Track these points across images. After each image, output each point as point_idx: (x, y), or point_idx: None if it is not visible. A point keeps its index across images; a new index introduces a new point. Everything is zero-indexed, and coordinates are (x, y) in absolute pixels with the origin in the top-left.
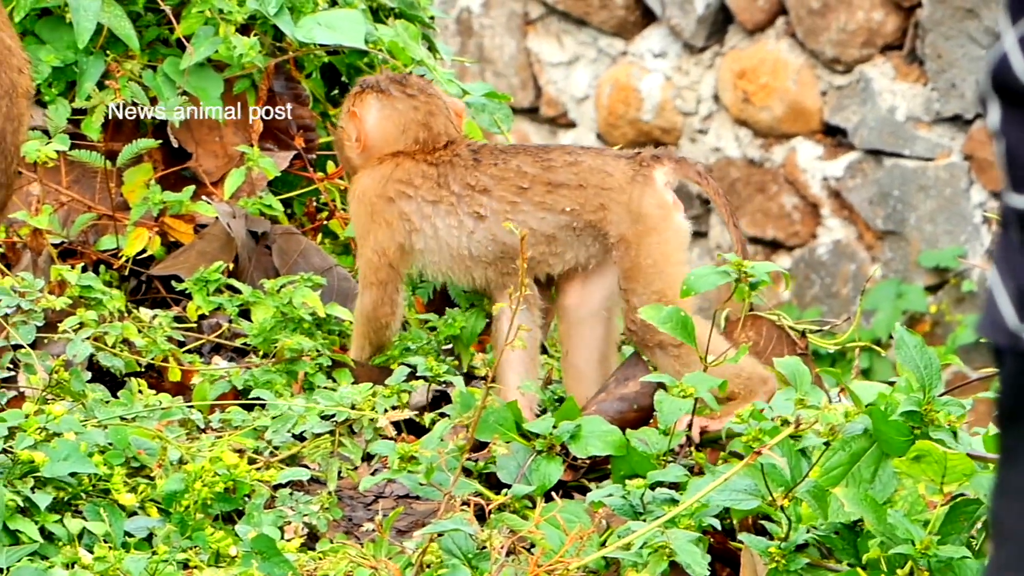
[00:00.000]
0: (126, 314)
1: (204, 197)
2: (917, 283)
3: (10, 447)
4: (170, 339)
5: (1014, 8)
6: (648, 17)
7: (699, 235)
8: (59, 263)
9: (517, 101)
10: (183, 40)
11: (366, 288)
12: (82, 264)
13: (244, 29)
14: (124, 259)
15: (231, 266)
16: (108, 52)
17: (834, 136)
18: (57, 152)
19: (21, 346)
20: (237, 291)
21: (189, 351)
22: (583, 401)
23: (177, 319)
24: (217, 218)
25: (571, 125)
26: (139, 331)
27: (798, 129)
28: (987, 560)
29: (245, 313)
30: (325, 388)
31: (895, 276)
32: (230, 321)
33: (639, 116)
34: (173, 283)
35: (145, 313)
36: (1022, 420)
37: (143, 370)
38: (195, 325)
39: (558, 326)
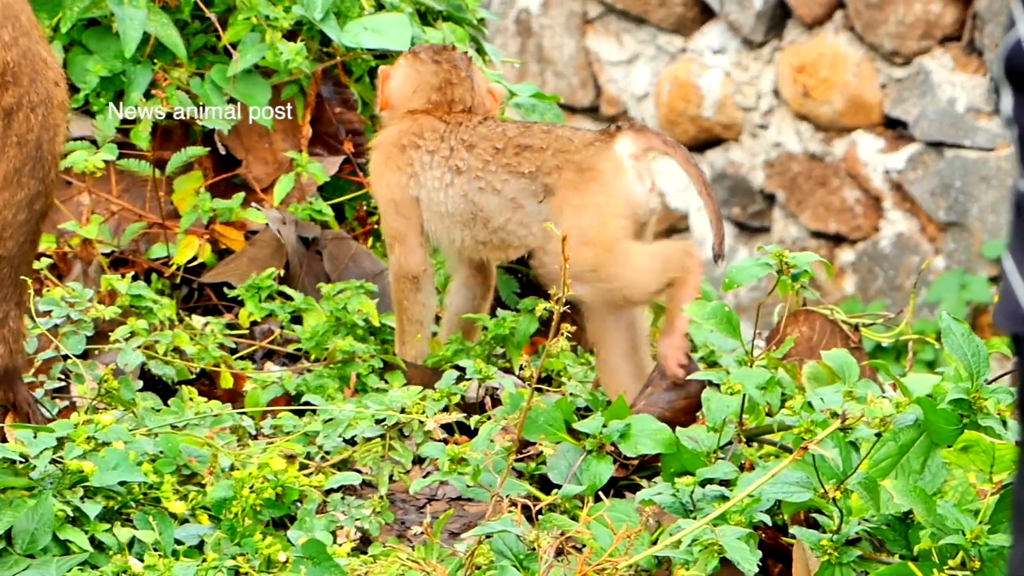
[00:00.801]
0: (177, 322)
1: (254, 204)
2: (980, 274)
3: (59, 457)
4: (222, 346)
5: None
6: (706, 13)
7: (761, 230)
8: (110, 273)
9: (577, 100)
10: (230, 47)
11: (390, 249)
12: (133, 273)
13: (291, 35)
14: (175, 267)
15: (282, 272)
16: (155, 61)
17: (895, 129)
18: (106, 161)
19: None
20: (289, 297)
21: (241, 357)
22: (617, 394)
23: (229, 326)
24: (267, 224)
25: None
26: (191, 338)
27: (858, 122)
28: (1010, 548)
29: (297, 320)
30: (377, 390)
31: (959, 267)
32: (282, 327)
33: (699, 113)
34: (225, 290)
35: (197, 320)
36: None
37: (195, 377)
38: (247, 331)
39: (587, 326)
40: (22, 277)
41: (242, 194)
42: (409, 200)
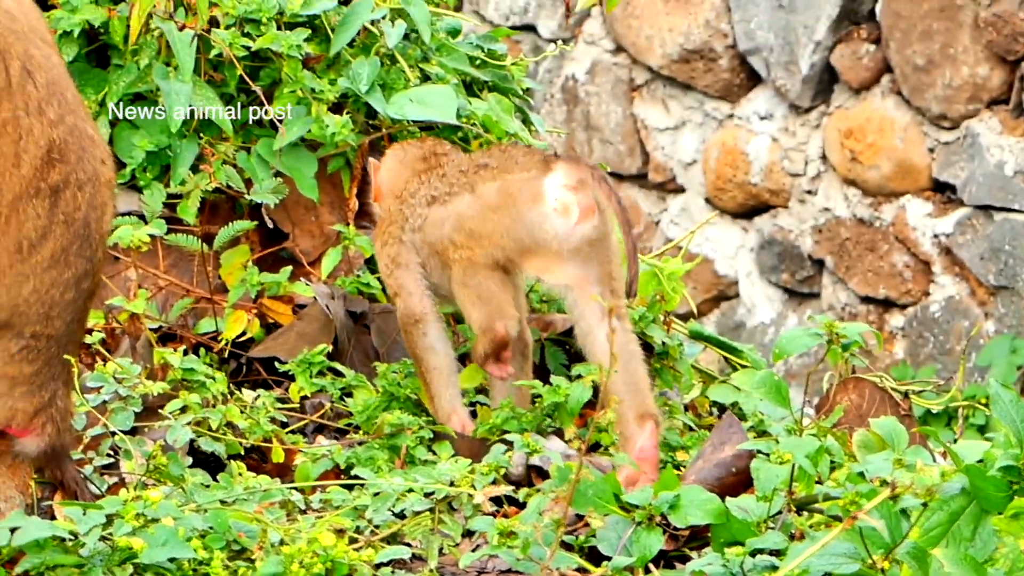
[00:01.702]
0: (229, 396)
1: (302, 278)
2: None
3: (109, 534)
4: (273, 420)
5: None
6: (753, 79)
7: (811, 296)
8: (158, 347)
9: (625, 168)
10: (276, 121)
11: (395, 303)
12: (183, 348)
13: (336, 107)
14: (224, 342)
15: (331, 347)
16: (201, 135)
17: (943, 192)
18: (152, 236)
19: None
20: (338, 372)
21: (292, 431)
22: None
23: (279, 400)
24: (315, 299)
25: (680, 190)
26: (241, 412)
27: (907, 187)
28: None
29: (347, 395)
30: (426, 462)
31: (1009, 331)
32: (332, 402)
33: (747, 179)
34: (276, 364)
35: (248, 395)
36: None
37: (245, 453)
38: (298, 406)
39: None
40: (68, 356)
41: (290, 268)
42: (402, 247)
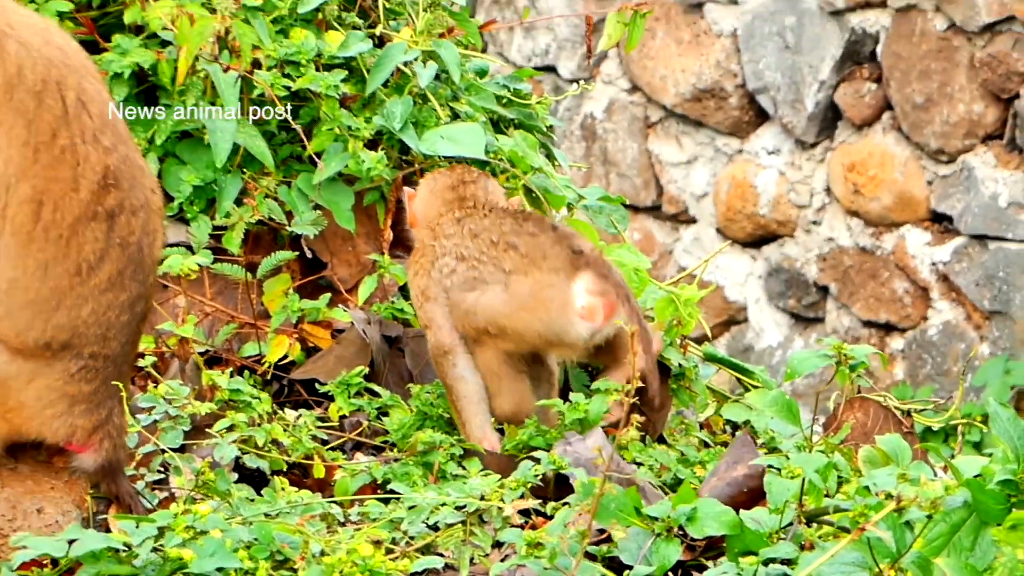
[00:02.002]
0: (273, 415)
1: (340, 304)
2: None
3: (160, 545)
4: (314, 438)
5: None
6: (761, 116)
7: (816, 321)
8: (206, 370)
9: (640, 200)
10: (315, 156)
11: (423, 328)
12: (229, 370)
13: (372, 144)
14: (267, 365)
15: (367, 369)
16: (245, 170)
17: (940, 223)
18: (200, 265)
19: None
20: (375, 393)
21: (332, 448)
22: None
23: (319, 419)
24: (352, 324)
25: (692, 221)
26: (284, 430)
27: (906, 217)
28: None
29: (383, 414)
30: (456, 477)
31: (1003, 353)
32: (369, 420)
33: (756, 210)
34: (317, 386)
35: (290, 414)
36: None
37: (287, 469)
38: (337, 424)
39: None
40: (123, 377)
41: (328, 295)
42: (431, 282)
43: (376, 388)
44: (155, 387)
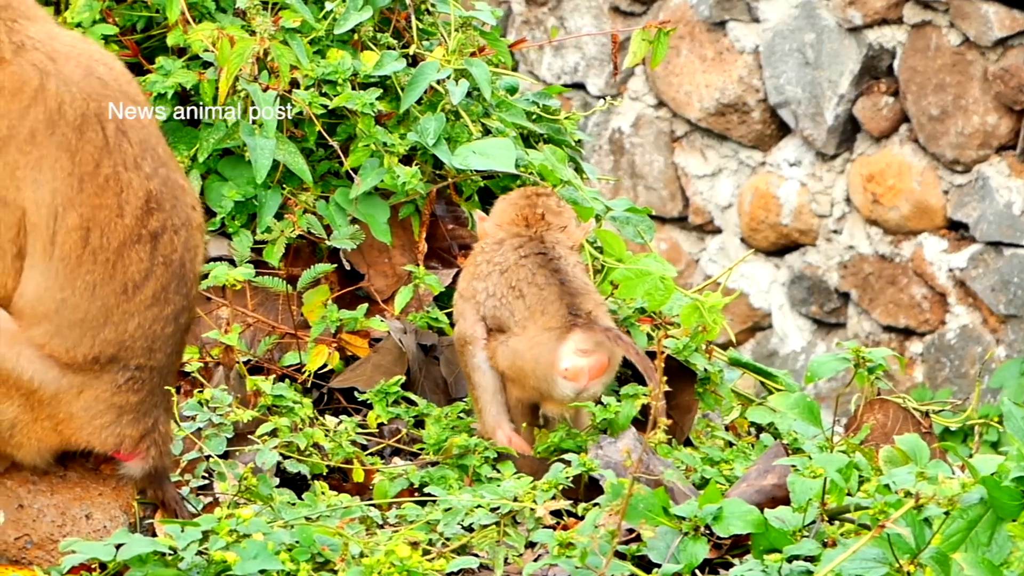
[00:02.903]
0: (314, 421)
1: (377, 314)
2: None
3: (205, 549)
4: (353, 443)
5: None
6: (783, 130)
7: (837, 326)
8: (249, 377)
9: (667, 211)
10: (351, 172)
11: (455, 324)
12: (272, 378)
13: (407, 159)
14: (307, 373)
15: (404, 378)
16: (284, 186)
17: (957, 231)
18: (242, 278)
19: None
20: (412, 402)
21: (371, 454)
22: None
23: (359, 426)
24: (389, 333)
25: (717, 231)
26: (325, 435)
27: (924, 226)
28: None
29: (419, 423)
30: (490, 479)
31: (1018, 356)
32: (407, 428)
33: (778, 220)
34: (356, 394)
35: (330, 421)
36: None
37: (327, 473)
38: (376, 431)
39: None
40: (168, 386)
41: (365, 305)
42: (471, 290)
43: (413, 397)
44: (201, 392)
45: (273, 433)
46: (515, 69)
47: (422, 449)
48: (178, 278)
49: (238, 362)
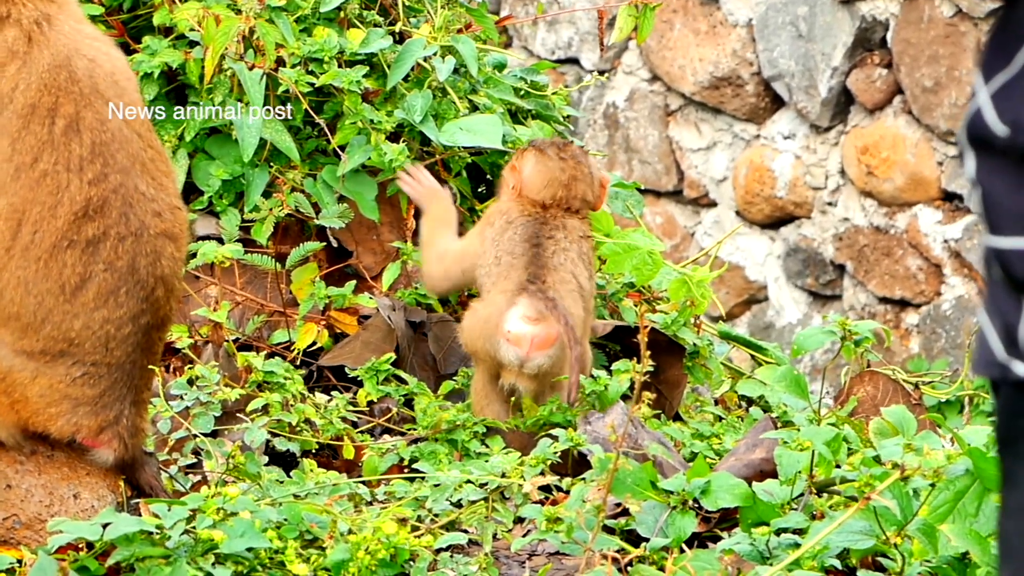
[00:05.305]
0: (305, 397)
1: (365, 291)
2: None
3: (192, 527)
4: (344, 420)
5: (986, 68)
6: (777, 103)
7: (833, 298)
8: (239, 353)
9: (662, 185)
10: (339, 150)
11: (427, 264)
12: (263, 355)
13: (394, 136)
14: (296, 351)
15: (395, 356)
16: (272, 164)
17: (951, 202)
18: (231, 256)
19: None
20: (401, 379)
21: (361, 432)
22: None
23: (349, 403)
24: (378, 310)
25: (712, 204)
26: (316, 411)
27: (918, 197)
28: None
29: (409, 401)
30: (479, 455)
31: None
32: (397, 406)
33: (773, 193)
34: (347, 371)
35: (321, 398)
36: (1016, 445)
37: (316, 450)
38: (366, 409)
39: None
40: (137, 382)
41: (354, 282)
42: (471, 259)
43: (403, 375)
44: (191, 368)
45: (264, 410)
46: (509, 45)
47: (412, 429)
48: (131, 283)
49: (227, 340)
